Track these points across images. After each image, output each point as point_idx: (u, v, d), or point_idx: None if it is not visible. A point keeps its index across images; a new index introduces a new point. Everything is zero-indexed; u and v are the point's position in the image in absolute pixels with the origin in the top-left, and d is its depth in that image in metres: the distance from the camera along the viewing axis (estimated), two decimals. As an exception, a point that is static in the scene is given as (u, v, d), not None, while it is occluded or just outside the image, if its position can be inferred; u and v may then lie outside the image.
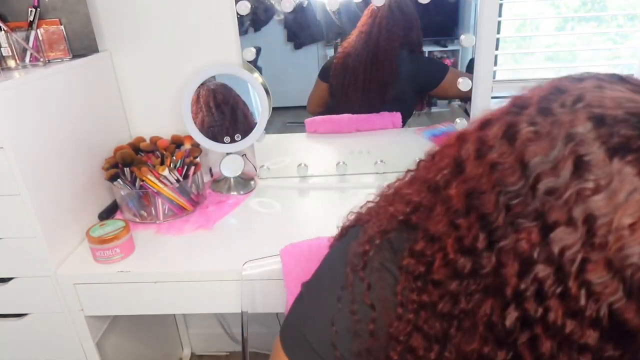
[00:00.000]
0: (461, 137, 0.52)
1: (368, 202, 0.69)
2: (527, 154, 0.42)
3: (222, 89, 1.30)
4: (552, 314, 0.40)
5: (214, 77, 1.27)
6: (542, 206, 0.40)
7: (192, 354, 1.78)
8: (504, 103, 0.52)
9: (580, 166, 0.39)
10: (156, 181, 1.14)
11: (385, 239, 0.56)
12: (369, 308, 0.53)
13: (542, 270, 0.40)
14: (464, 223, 0.47)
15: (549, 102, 0.44)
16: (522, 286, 0.41)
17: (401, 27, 1.25)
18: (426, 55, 1.30)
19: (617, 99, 0.41)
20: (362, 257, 0.55)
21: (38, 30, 1.13)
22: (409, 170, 0.65)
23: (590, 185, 0.38)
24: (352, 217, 0.69)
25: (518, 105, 0.47)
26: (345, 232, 0.66)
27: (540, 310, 0.41)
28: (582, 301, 0.39)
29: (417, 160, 0.64)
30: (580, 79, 0.46)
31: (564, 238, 0.39)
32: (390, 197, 0.63)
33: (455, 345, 0.49)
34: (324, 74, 1.32)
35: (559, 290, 0.40)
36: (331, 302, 0.55)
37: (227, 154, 1.33)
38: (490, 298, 0.45)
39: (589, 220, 0.38)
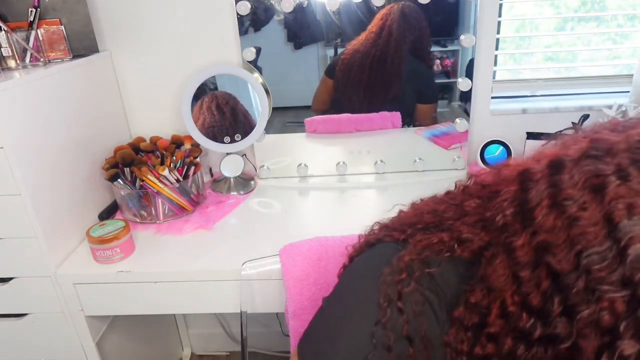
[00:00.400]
0: (525, 175, 0.46)
1: (400, 211, 0.64)
2: (617, 213, 0.37)
3: (224, 95, 1.30)
4: None
5: (214, 78, 1.27)
6: (631, 274, 0.36)
7: (192, 354, 1.78)
8: (575, 138, 0.45)
9: None
10: (156, 181, 1.14)
11: (427, 273, 0.51)
12: (406, 341, 0.49)
13: (628, 347, 0.36)
14: (530, 277, 0.42)
15: None
16: None
17: (410, 33, 1.25)
18: (433, 71, 1.31)
19: None
20: (397, 285, 0.50)
21: (38, 31, 1.13)
22: (449, 192, 0.60)
23: None
24: (377, 228, 0.63)
25: (601, 149, 0.41)
26: (371, 245, 0.60)
27: None
28: None
29: (460, 185, 0.59)
30: None
31: None
32: (428, 219, 0.57)
33: None
34: (331, 70, 1.32)
35: None
36: (364, 337, 0.50)
37: (227, 154, 1.33)
38: None
39: None
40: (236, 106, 1.30)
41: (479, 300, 0.47)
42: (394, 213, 0.65)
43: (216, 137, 1.29)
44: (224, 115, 1.30)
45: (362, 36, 1.26)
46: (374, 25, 1.25)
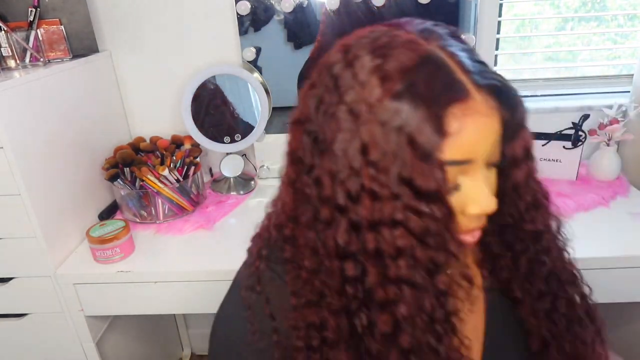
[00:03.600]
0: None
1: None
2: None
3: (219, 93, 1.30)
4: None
5: (214, 78, 1.27)
6: None
7: (192, 354, 1.78)
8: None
9: None
10: (156, 181, 1.14)
11: (266, 252, 0.59)
12: (269, 319, 0.53)
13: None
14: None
15: None
16: None
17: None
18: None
19: None
20: (253, 274, 0.57)
21: (38, 30, 1.13)
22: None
23: None
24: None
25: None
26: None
27: None
28: None
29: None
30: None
31: None
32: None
33: None
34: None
35: None
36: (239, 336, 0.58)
37: (227, 154, 1.33)
38: None
39: None
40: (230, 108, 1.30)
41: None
42: None
43: (216, 137, 1.29)
44: (223, 116, 1.30)
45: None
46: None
